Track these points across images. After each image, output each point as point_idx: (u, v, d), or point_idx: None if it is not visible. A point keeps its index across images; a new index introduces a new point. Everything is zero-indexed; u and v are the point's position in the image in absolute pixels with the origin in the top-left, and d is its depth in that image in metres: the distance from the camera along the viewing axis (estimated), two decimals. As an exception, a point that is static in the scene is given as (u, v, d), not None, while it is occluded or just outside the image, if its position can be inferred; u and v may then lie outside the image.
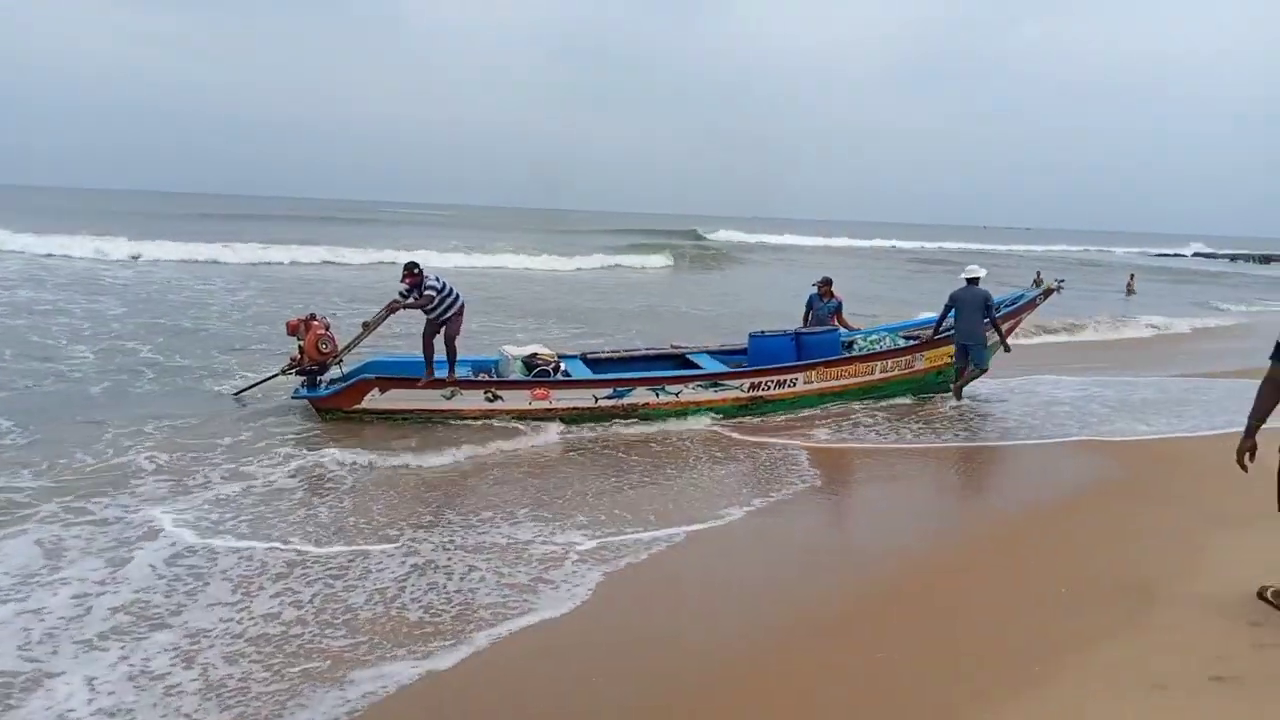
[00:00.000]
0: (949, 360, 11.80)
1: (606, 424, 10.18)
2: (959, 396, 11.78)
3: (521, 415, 10.08)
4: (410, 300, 9.71)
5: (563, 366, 10.75)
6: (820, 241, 68.64)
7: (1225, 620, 4.47)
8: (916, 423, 10.58)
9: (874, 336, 12.20)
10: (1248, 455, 4.65)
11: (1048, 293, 12.58)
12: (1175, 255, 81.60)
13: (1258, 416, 4.59)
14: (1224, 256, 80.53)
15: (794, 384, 11.03)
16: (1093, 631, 4.45)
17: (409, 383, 9.88)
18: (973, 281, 11.80)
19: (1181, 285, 41.03)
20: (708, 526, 6.46)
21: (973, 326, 11.56)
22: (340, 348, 10.01)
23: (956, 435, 10.05)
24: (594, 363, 11.32)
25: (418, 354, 10.35)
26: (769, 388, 10.93)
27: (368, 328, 10.09)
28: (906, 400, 11.76)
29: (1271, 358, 4.52)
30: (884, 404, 11.46)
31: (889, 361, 11.52)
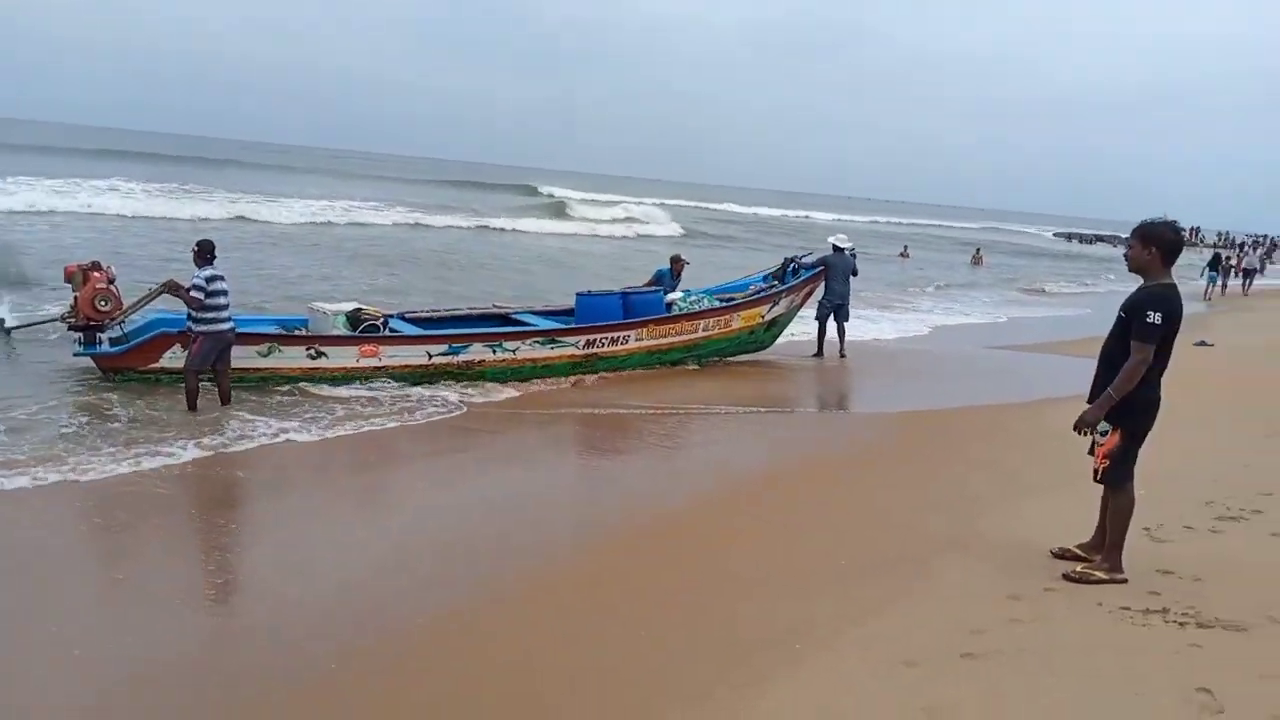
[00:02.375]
0: (761, 321, 12.29)
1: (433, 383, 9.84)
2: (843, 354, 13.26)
3: (347, 374, 9.62)
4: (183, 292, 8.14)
5: (390, 324, 10.33)
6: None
7: (989, 593, 4.59)
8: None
9: (692, 298, 12.47)
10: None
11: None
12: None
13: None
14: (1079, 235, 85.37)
15: (626, 341, 11.11)
16: (865, 606, 4.45)
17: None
18: (838, 250, 13.31)
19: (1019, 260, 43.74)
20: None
21: (845, 288, 13.26)
22: (124, 306, 8.91)
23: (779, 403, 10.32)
24: (416, 322, 10.95)
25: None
26: (603, 344, 10.96)
27: (154, 292, 8.89)
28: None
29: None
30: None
31: (710, 320, 11.88)
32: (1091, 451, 4.81)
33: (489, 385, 9.98)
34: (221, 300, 8.12)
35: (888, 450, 7.98)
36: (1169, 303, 4.47)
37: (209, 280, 8.00)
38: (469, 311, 11.82)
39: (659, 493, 6.74)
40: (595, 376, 10.84)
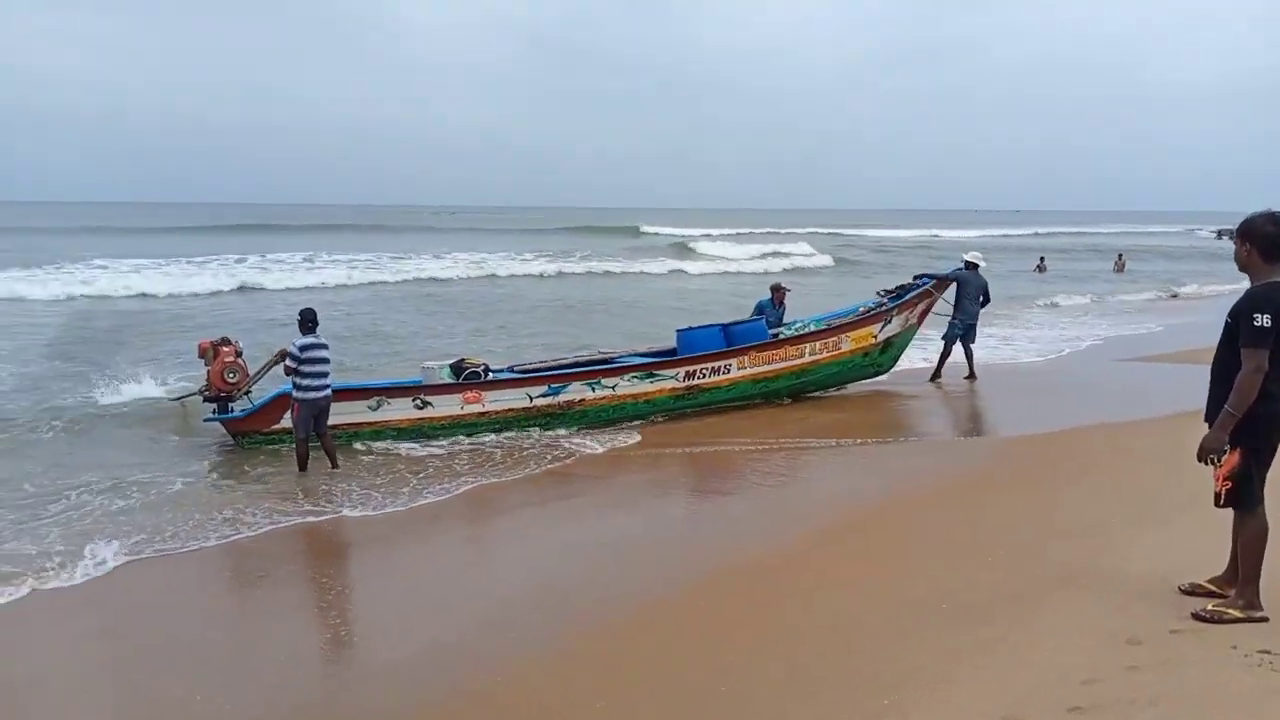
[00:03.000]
0: (873, 341, 11.81)
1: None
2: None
3: (454, 421, 9.85)
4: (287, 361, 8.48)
5: (491, 374, 10.52)
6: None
7: (1106, 637, 4.22)
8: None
9: (798, 325, 12.18)
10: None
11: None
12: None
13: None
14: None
15: (728, 370, 10.96)
16: (966, 653, 4.18)
17: (336, 395, 9.57)
18: (972, 266, 12.80)
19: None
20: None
21: (977, 308, 12.79)
22: (250, 377, 9.49)
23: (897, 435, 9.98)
24: (524, 373, 11.02)
25: (348, 379, 10.14)
26: (704, 375, 10.85)
27: (270, 363, 9.48)
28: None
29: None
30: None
31: (816, 343, 11.53)
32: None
33: (602, 432, 10.01)
34: (318, 368, 8.43)
35: (1006, 477, 7.57)
36: (1276, 303, 4.05)
37: (303, 349, 8.37)
38: (575, 359, 11.90)
39: (760, 532, 6.57)
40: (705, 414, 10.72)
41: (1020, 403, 11.63)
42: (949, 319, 12.79)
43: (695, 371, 10.80)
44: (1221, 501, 4.30)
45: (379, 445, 9.42)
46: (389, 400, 9.67)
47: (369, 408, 9.58)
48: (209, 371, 9.39)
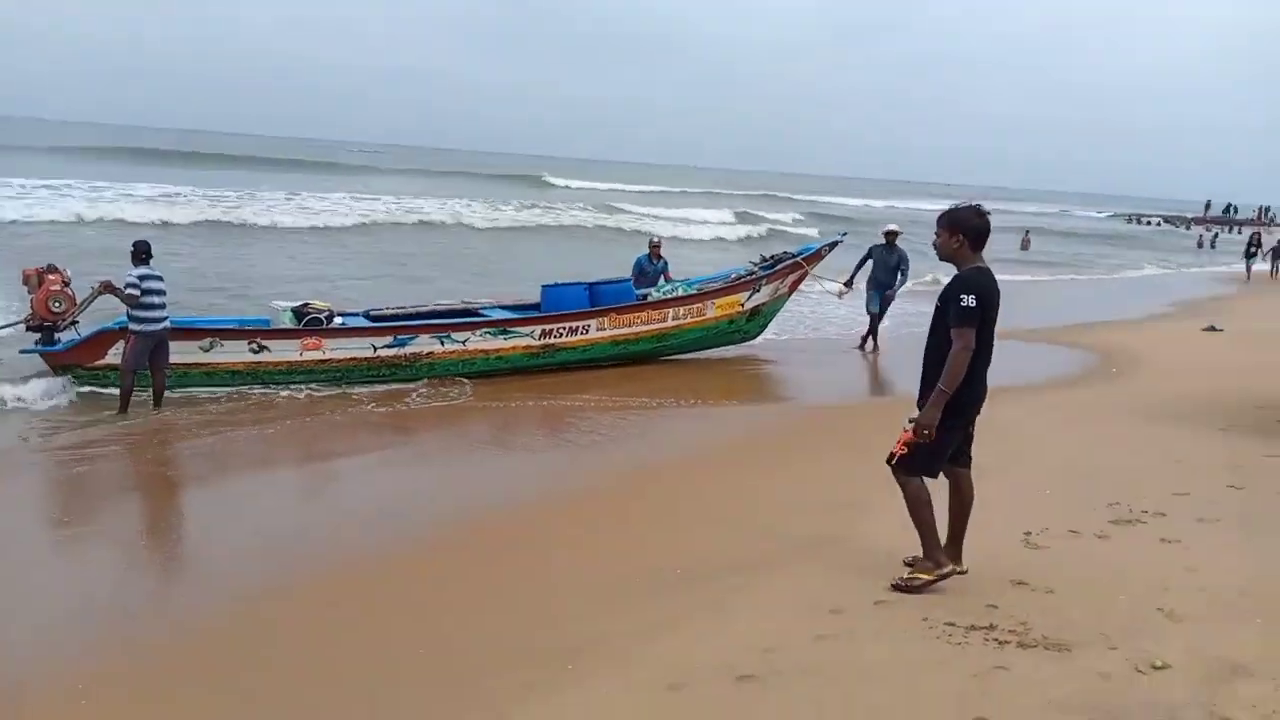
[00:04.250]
0: (740, 309, 11.83)
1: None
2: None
3: (291, 368, 9.61)
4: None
5: (338, 319, 10.26)
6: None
7: (812, 606, 4.28)
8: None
9: (668, 288, 12.10)
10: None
11: (832, 245, 12.63)
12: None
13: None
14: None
15: (587, 330, 10.86)
16: (668, 620, 4.17)
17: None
18: (890, 238, 12.93)
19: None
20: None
21: (889, 279, 12.81)
22: (76, 307, 8.97)
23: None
24: (379, 319, 10.71)
25: (191, 315, 9.78)
26: (561, 334, 10.71)
27: (93, 294, 8.89)
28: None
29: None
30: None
31: (681, 309, 11.48)
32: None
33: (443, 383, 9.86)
34: (156, 299, 8.24)
35: (797, 444, 7.68)
36: (981, 285, 4.19)
37: (142, 279, 8.16)
38: (435, 307, 11.65)
39: (528, 490, 6.57)
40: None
41: (862, 374, 11.82)
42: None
43: (552, 330, 10.68)
44: (893, 462, 4.38)
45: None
46: (222, 342, 9.35)
47: (201, 349, 9.25)
48: (33, 300, 8.94)
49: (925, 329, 4.42)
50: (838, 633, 4.02)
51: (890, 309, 13.07)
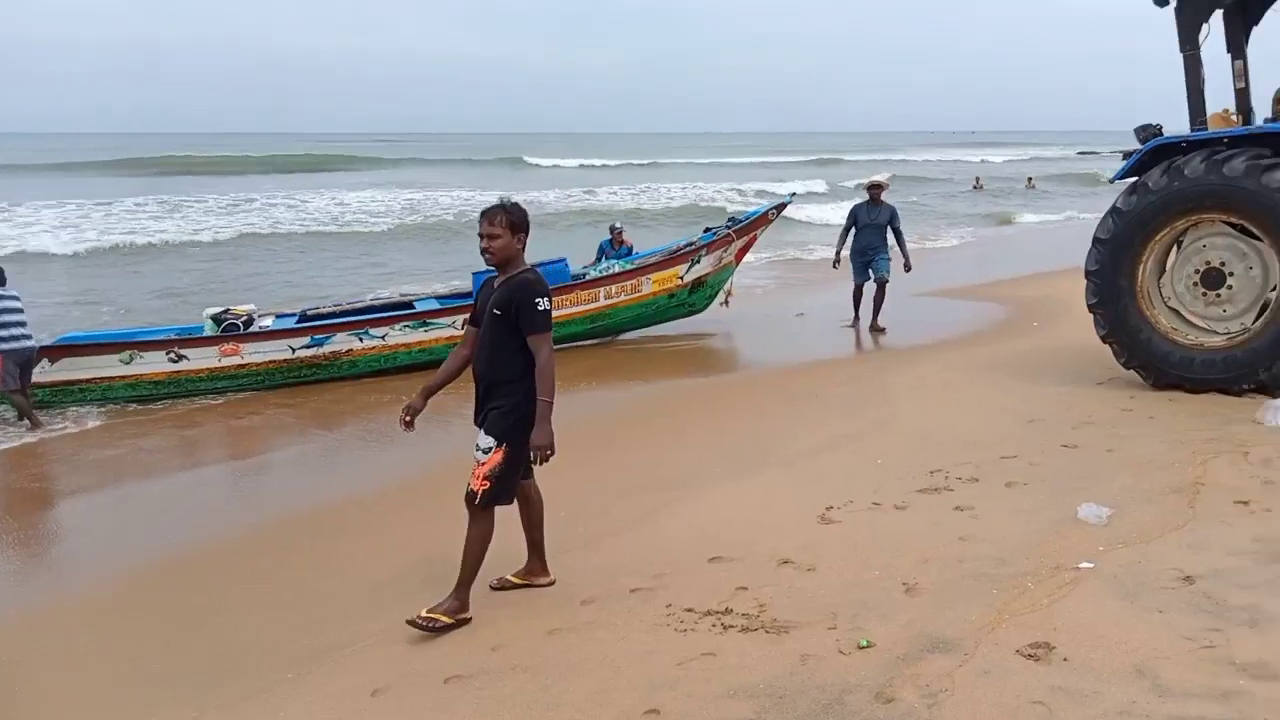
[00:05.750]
0: (679, 282, 11.68)
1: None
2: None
3: (213, 374, 9.82)
4: None
5: (261, 322, 10.44)
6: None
7: (565, 596, 4.35)
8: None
9: (603, 266, 12.00)
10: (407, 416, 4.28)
11: (779, 207, 12.41)
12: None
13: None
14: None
15: None
16: (377, 630, 4.22)
17: (84, 349, 9.52)
18: (874, 191, 11.33)
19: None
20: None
21: (875, 241, 11.18)
22: None
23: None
24: (314, 318, 10.71)
25: (122, 327, 9.98)
26: None
27: None
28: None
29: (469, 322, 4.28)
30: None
31: (613, 286, 11.31)
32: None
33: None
34: (15, 318, 8.39)
35: (660, 423, 7.65)
36: (547, 288, 4.07)
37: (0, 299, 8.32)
38: (372, 302, 11.69)
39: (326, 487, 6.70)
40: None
41: (775, 343, 11.40)
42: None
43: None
44: (479, 500, 4.03)
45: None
46: (141, 354, 9.59)
47: (121, 361, 9.50)
48: None
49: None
50: (575, 625, 4.09)
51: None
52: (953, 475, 5.57)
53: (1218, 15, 6.50)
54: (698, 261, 11.92)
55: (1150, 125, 6.71)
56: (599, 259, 12.64)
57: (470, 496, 4.06)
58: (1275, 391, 6.42)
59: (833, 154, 73.18)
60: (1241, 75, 6.64)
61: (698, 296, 12.09)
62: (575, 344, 11.24)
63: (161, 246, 20.58)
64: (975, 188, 37.75)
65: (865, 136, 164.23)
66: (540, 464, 4.06)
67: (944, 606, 3.95)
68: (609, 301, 11.39)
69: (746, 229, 12.19)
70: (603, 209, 28.96)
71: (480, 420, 4.15)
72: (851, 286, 11.58)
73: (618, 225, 13.31)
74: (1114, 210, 6.77)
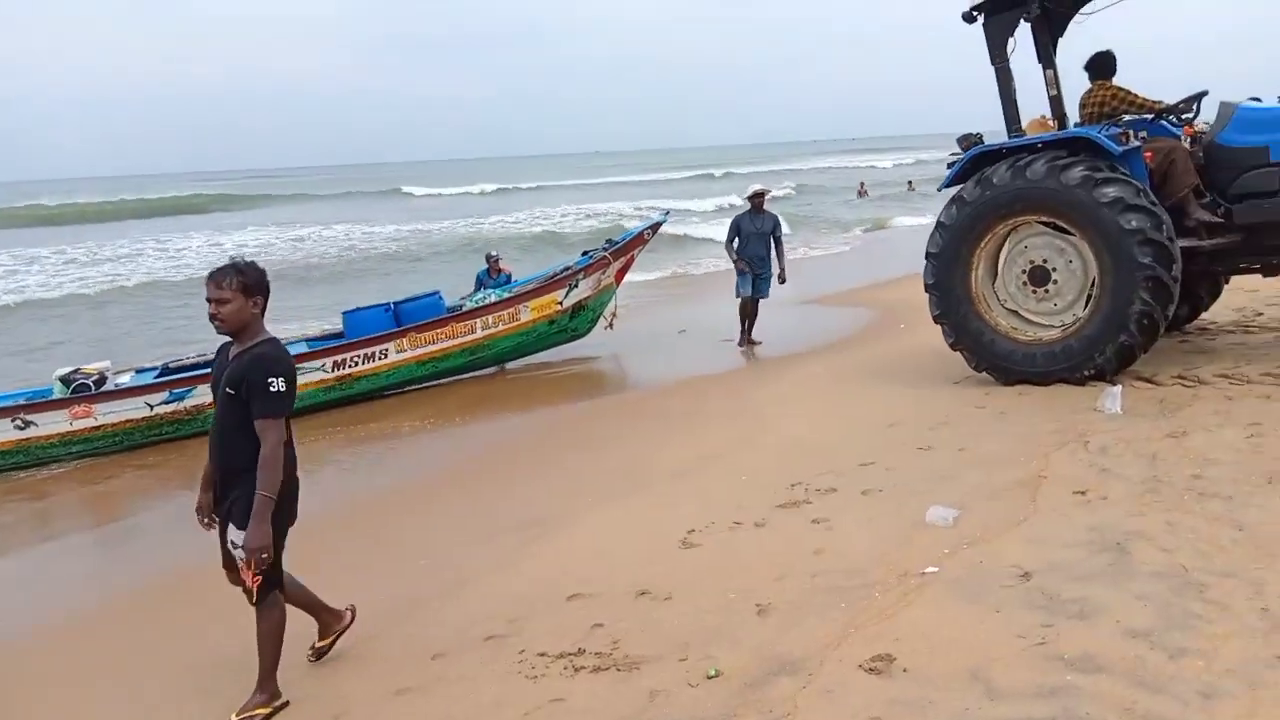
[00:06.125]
0: (559, 308, 11.60)
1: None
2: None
3: (66, 439, 9.28)
4: None
5: (114, 380, 9.92)
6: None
7: (419, 650, 4.21)
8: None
9: (479, 296, 11.85)
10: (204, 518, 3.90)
11: (655, 226, 12.50)
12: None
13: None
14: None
15: (384, 355, 10.57)
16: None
17: None
18: (756, 199, 11.11)
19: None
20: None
21: (763, 253, 10.99)
22: None
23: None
24: (175, 370, 10.19)
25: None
26: (355, 364, 10.41)
27: None
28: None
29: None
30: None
31: (490, 316, 11.16)
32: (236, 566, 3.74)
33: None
34: None
35: (527, 455, 7.58)
36: (290, 365, 3.71)
37: None
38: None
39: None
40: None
41: (657, 363, 11.34)
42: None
43: (345, 360, 10.40)
44: (256, 599, 3.72)
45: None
46: (-17, 422, 9.02)
47: (-38, 433, 8.92)
48: None
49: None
50: (423, 682, 3.94)
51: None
52: (812, 487, 5.61)
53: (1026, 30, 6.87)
54: (575, 286, 11.86)
55: (971, 134, 7.01)
56: (477, 288, 12.49)
57: (249, 595, 3.72)
58: (1112, 376, 6.73)
59: (720, 168, 74.42)
60: (1053, 83, 7.02)
61: (579, 321, 12.04)
62: (458, 377, 11.10)
63: (15, 307, 19.42)
64: (860, 194, 38.96)
65: (754, 149, 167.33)
66: (254, 571, 3.56)
67: (793, 625, 3.95)
68: (487, 332, 11.22)
69: (622, 250, 12.20)
70: (490, 236, 28.49)
71: (225, 511, 3.74)
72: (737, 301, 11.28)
73: (494, 254, 13.21)
74: (939, 225, 7.08)
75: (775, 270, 11.13)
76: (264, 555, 3.55)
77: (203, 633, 4.81)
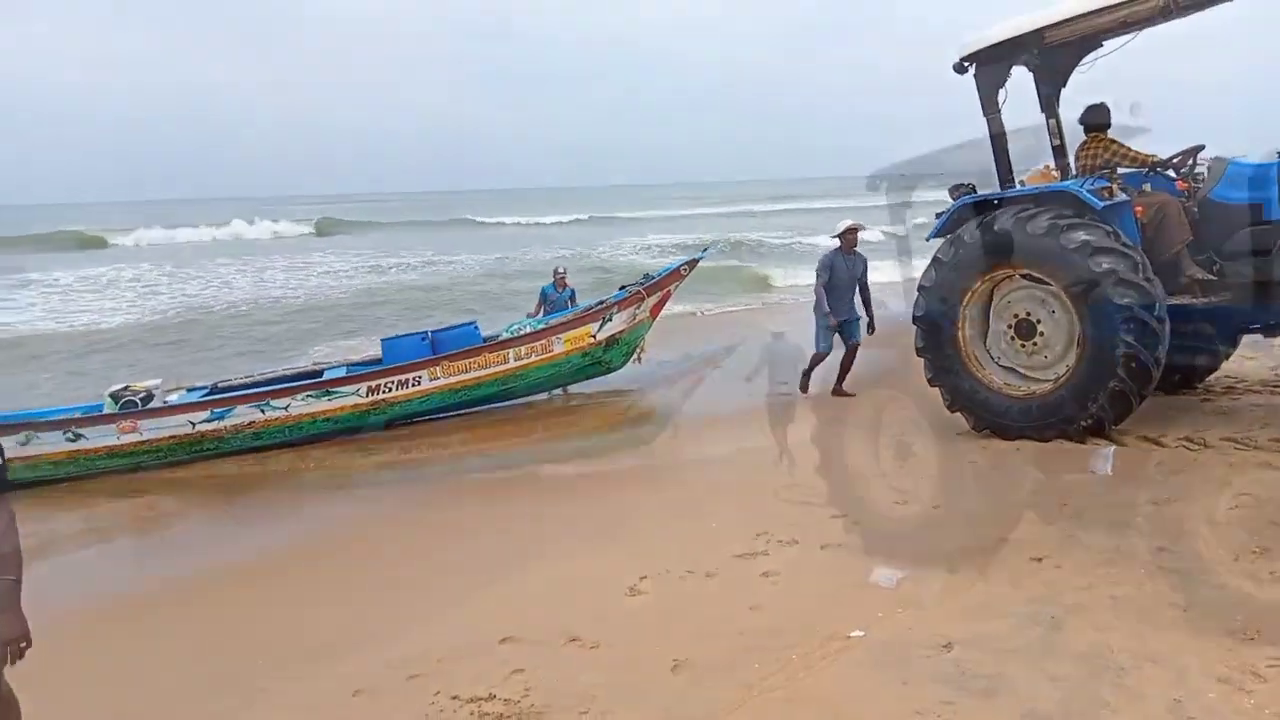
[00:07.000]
0: (592, 340, 11.71)
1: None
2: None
3: (113, 452, 9.83)
4: None
5: (167, 397, 10.46)
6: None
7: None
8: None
9: (516, 325, 12.05)
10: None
11: (692, 263, 12.49)
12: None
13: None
14: None
15: (419, 382, 10.83)
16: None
17: None
18: (847, 237, 9.44)
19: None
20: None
21: (850, 298, 9.54)
22: None
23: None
24: (226, 391, 10.69)
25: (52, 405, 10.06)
26: (390, 389, 10.72)
27: None
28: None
29: None
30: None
31: (523, 347, 11.32)
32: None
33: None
34: None
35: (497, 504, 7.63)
36: None
37: None
38: (284, 372, 11.66)
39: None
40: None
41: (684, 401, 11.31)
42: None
43: (380, 385, 10.72)
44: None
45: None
46: (38, 434, 9.61)
47: (19, 443, 9.50)
48: None
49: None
50: (335, 718, 4.08)
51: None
52: (774, 538, 5.54)
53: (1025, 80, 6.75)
54: (610, 319, 11.89)
55: (962, 184, 6.87)
56: (542, 302, 12.71)
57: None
58: (1112, 428, 6.49)
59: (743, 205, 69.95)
60: (1055, 133, 6.85)
61: (613, 354, 12.04)
62: (488, 406, 11.32)
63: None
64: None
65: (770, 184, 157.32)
66: (13, 662, 3.17)
67: (702, 685, 3.93)
68: (520, 363, 11.34)
69: (657, 285, 12.25)
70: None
71: None
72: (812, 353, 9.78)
73: (561, 269, 13.39)
74: (920, 287, 6.99)
75: (863, 317, 9.63)
76: (23, 645, 3.16)
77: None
